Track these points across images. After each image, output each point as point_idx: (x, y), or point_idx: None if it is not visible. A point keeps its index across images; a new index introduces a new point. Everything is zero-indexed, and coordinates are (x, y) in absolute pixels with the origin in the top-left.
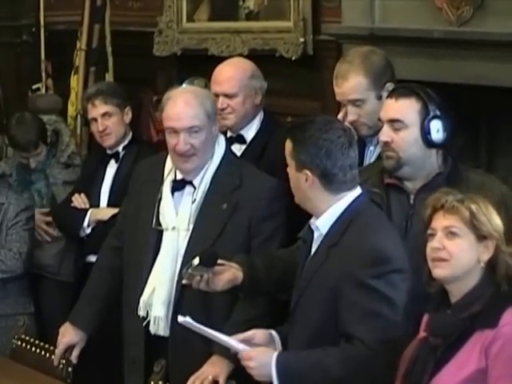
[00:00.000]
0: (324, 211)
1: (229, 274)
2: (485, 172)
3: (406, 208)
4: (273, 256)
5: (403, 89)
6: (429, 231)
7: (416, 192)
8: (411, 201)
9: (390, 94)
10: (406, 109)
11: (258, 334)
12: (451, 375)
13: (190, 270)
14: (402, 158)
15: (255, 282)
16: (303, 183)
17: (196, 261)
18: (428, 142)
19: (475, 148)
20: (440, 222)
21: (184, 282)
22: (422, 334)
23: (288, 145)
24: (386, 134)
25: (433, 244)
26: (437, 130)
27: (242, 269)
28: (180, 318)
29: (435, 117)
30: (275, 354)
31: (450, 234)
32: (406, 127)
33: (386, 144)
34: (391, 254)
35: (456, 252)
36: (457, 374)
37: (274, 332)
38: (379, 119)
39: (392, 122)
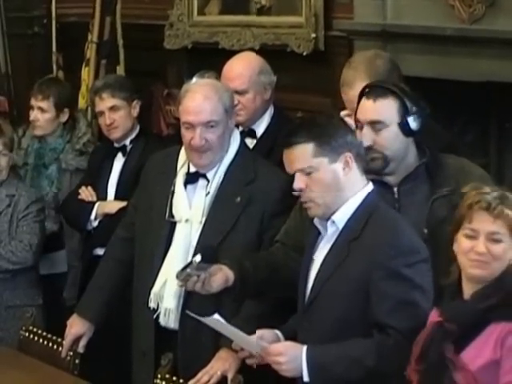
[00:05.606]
0: (347, 200)
1: (221, 274)
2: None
3: (391, 202)
4: (256, 256)
5: (379, 88)
6: (466, 231)
7: (398, 184)
8: (395, 195)
9: (367, 95)
10: (386, 109)
11: (265, 333)
12: (467, 363)
13: (188, 270)
14: (388, 156)
15: (246, 281)
16: (341, 173)
17: (198, 258)
18: (407, 133)
19: (485, 145)
20: (486, 225)
21: (179, 284)
22: (436, 318)
23: (305, 149)
24: (367, 137)
25: (479, 249)
26: (415, 123)
27: (232, 270)
28: (206, 318)
29: (414, 113)
30: (305, 348)
31: (494, 238)
32: (387, 126)
33: (369, 147)
34: (418, 244)
35: (499, 256)
36: (472, 363)
37: (278, 332)
38: (358, 120)
39: (372, 123)
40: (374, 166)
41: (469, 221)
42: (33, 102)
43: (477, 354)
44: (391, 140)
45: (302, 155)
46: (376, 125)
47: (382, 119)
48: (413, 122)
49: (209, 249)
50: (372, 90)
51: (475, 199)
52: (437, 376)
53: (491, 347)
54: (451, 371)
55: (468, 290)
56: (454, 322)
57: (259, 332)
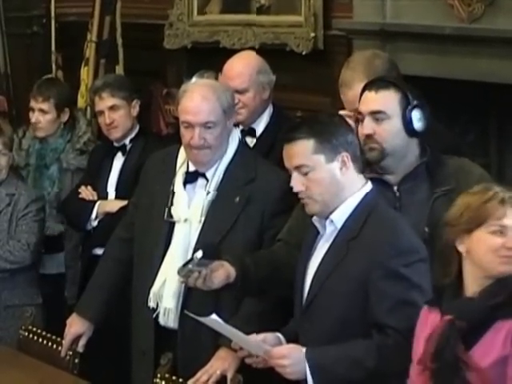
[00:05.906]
0: (345, 200)
1: (223, 270)
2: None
3: (392, 201)
4: (257, 254)
5: (381, 81)
6: (494, 228)
7: (399, 183)
8: (396, 194)
9: (369, 87)
10: (387, 100)
11: (268, 336)
12: (477, 361)
13: (190, 266)
14: (386, 148)
15: (247, 278)
16: (338, 172)
17: (199, 254)
18: (410, 131)
19: (485, 145)
20: None
21: (180, 280)
22: (433, 316)
23: (305, 145)
24: (368, 126)
25: (510, 244)
26: (418, 119)
27: (233, 266)
28: (204, 318)
29: (415, 106)
30: (304, 350)
31: None
32: (389, 118)
33: (369, 137)
34: (417, 243)
35: None
36: (482, 361)
37: (280, 335)
38: (359, 113)
39: (374, 113)
40: (370, 156)
41: (498, 217)
42: (33, 103)
43: (485, 351)
44: (392, 133)
45: (301, 151)
46: (377, 115)
47: (383, 109)
48: (417, 123)
49: (210, 245)
50: (374, 83)
51: (503, 196)
52: (450, 375)
53: (500, 344)
54: (464, 371)
55: (474, 288)
56: (465, 319)
57: (261, 335)
